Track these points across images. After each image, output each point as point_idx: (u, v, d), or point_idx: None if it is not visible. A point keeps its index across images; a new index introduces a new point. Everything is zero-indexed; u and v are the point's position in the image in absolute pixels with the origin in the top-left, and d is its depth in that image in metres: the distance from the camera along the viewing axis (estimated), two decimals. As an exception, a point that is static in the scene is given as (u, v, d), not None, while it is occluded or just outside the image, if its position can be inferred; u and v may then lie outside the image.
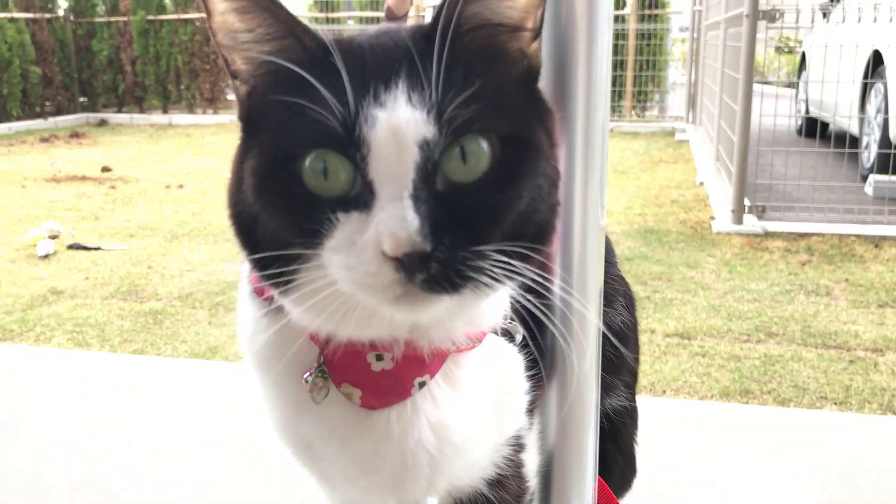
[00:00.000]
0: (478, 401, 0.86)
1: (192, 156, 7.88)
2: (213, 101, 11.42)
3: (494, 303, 0.84)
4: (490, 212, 0.70)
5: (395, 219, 0.66)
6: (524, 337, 0.90)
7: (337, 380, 0.83)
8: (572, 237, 0.91)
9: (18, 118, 10.22)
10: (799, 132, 7.37)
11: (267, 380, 0.90)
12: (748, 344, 2.95)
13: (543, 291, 0.79)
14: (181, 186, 6.20)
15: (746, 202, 4.68)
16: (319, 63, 0.71)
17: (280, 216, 0.73)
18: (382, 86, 0.69)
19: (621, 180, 6.24)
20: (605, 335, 1.01)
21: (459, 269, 0.68)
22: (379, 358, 0.81)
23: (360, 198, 0.69)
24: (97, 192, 6.04)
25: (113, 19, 11.25)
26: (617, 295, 1.09)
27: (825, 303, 3.38)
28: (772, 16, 4.48)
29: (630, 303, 1.16)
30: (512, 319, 0.88)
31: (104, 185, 6.30)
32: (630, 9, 10.10)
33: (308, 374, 0.83)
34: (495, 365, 0.88)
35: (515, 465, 0.92)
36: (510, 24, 0.75)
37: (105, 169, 6.91)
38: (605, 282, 1.01)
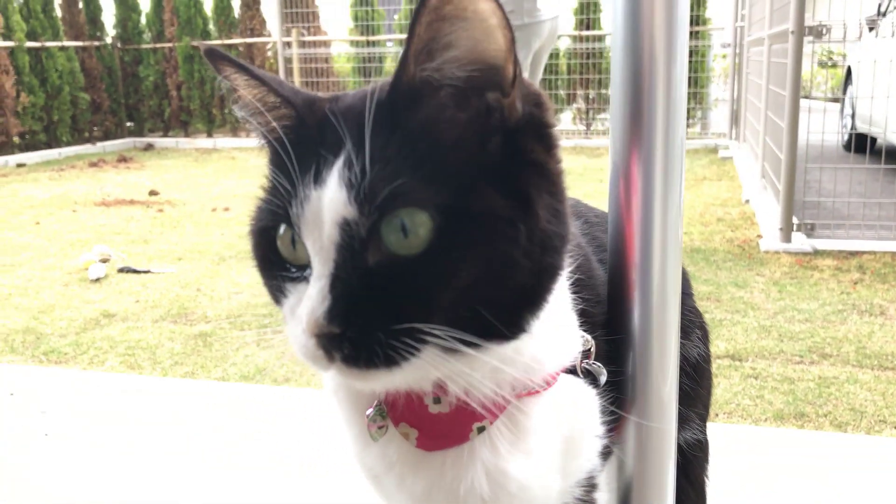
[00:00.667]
0: (543, 447, 0.84)
1: (237, 179, 7.99)
2: (256, 125, 11.57)
3: (556, 346, 0.83)
4: (424, 287, 0.68)
5: (311, 298, 0.68)
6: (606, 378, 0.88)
7: (395, 419, 0.84)
8: (652, 257, 0.89)
9: (68, 143, 10.48)
10: (846, 147, 7.25)
11: (339, 411, 0.92)
12: (801, 365, 2.89)
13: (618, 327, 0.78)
14: (227, 209, 6.29)
15: (794, 220, 4.61)
16: (303, 132, 0.74)
17: (263, 277, 0.80)
18: (329, 160, 0.70)
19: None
20: (681, 368, 0.99)
21: (376, 350, 0.67)
22: (436, 401, 0.81)
23: (308, 271, 0.71)
24: (145, 215, 6.15)
25: (159, 46, 11.50)
26: (693, 327, 1.07)
27: (879, 323, 3.31)
28: (818, 31, 4.43)
29: (704, 335, 1.14)
30: (596, 360, 0.87)
31: (152, 208, 6.41)
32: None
33: (370, 410, 0.84)
34: (568, 409, 0.86)
35: None
36: (475, 81, 0.71)
37: (153, 193, 7.05)
38: (682, 313, 0.99)
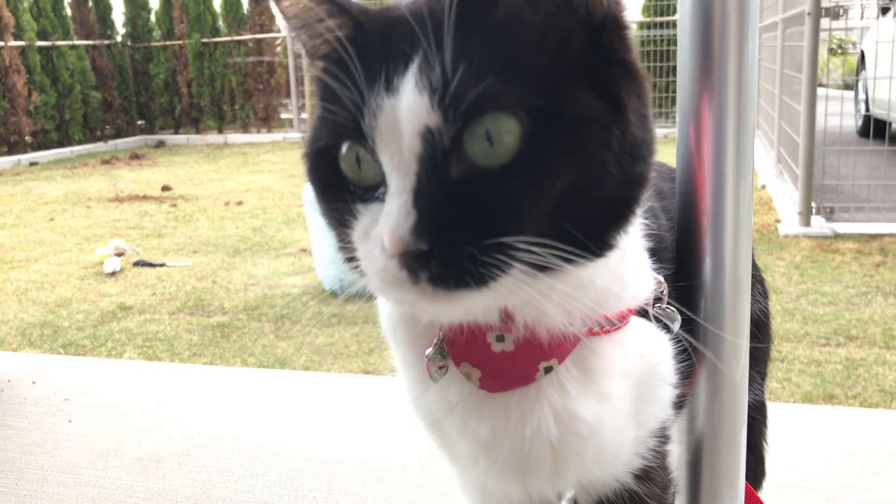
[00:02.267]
0: (614, 390, 0.79)
1: (249, 173, 7.99)
2: (268, 120, 11.59)
3: (628, 280, 0.78)
4: (513, 199, 0.63)
5: (392, 216, 0.63)
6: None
7: (456, 358, 0.79)
8: (724, 204, 0.85)
9: (80, 142, 10.50)
10: (860, 133, 7.18)
11: (396, 353, 0.87)
12: (828, 348, 2.85)
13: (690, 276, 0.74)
14: (240, 203, 6.29)
15: (813, 204, 4.56)
16: (365, 41, 0.68)
17: (324, 201, 0.73)
18: (401, 66, 0.64)
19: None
20: None
21: (467, 267, 0.62)
22: (500, 339, 0.76)
23: (381, 189, 0.66)
24: (159, 210, 6.15)
25: (168, 43, 11.51)
26: (754, 281, 1.03)
27: (905, 304, 3.26)
28: (835, 13, 4.37)
29: (764, 290, 1.09)
30: (669, 305, 0.82)
31: (165, 203, 6.41)
32: (681, 14, 9.99)
33: (429, 349, 0.80)
34: (639, 352, 0.81)
35: (661, 457, 0.87)
36: None
37: (165, 188, 7.05)
38: None
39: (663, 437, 0.86)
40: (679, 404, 0.87)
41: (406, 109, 0.63)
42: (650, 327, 0.81)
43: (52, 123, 10.17)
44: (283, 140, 11.00)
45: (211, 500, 1.68)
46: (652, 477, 0.86)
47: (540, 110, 0.62)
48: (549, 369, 0.77)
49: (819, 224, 4.49)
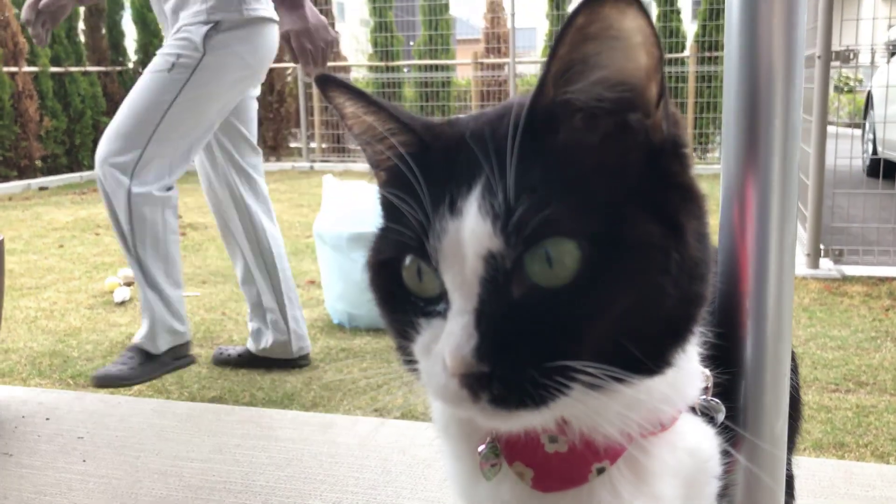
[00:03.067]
0: (666, 491, 0.80)
1: (257, 202, 8.00)
2: (276, 149, 11.65)
3: (683, 382, 0.79)
4: (572, 321, 0.64)
5: (454, 336, 0.65)
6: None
7: (509, 457, 0.80)
8: (767, 286, 0.86)
9: (89, 167, 10.55)
10: (868, 173, 7.21)
11: (447, 446, 0.88)
12: (837, 394, 2.84)
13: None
14: (248, 233, 6.29)
15: (821, 246, 4.57)
16: (429, 160, 0.71)
17: (385, 311, 0.76)
18: (464, 189, 0.66)
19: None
20: None
21: (527, 389, 0.64)
22: (553, 440, 0.77)
23: (442, 305, 0.68)
24: (168, 239, 6.16)
25: (180, 71, 11.59)
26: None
27: (915, 351, 3.26)
28: (846, 57, 4.42)
29: (796, 366, 1.11)
30: (713, 397, 0.83)
31: (174, 232, 6.43)
32: (689, 51, 10.07)
33: (482, 447, 0.80)
34: (688, 450, 0.81)
35: None
36: (619, 102, 0.67)
37: (174, 216, 7.07)
38: None
39: None
40: (723, 494, 0.88)
41: (470, 233, 0.65)
42: (697, 422, 0.82)
43: (63, 148, 10.24)
44: (292, 169, 11.05)
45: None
46: None
47: (600, 235, 0.64)
48: (601, 470, 0.77)
49: (828, 266, 4.49)
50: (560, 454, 0.77)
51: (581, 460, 0.77)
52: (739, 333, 0.88)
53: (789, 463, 1.10)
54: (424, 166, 0.70)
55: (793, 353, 1.08)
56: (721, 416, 0.84)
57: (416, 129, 0.73)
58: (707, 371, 0.84)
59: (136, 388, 3.09)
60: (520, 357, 0.64)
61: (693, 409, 0.82)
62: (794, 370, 1.06)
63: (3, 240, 2.52)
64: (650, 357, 0.67)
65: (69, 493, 1.89)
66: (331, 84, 0.76)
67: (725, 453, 0.85)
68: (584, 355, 0.64)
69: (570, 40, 0.65)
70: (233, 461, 2.06)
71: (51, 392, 2.87)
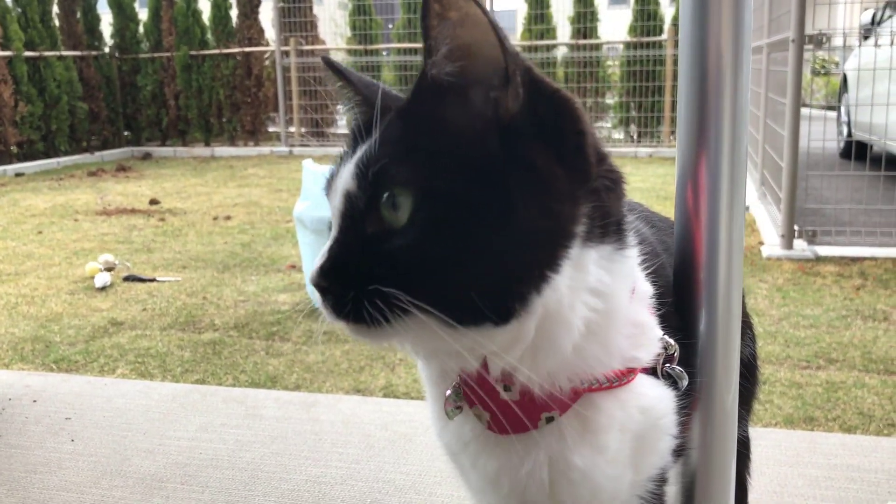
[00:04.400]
0: (611, 443, 0.87)
1: (236, 187, 8.01)
2: (255, 133, 11.60)
3: (617, 344, 0.85)
4: (402, 258, 0.76)
5: (319, 254, 0.80)
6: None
7: (470, 401, 0.89)
8: (718, 261, 0.91)
9: (66, 153, 10.48)
10: (842, 155, 7.31)
11: (426, 386, 0.99)
12: (808, 370, 2.92)
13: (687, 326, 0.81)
14: (228, 218, 6.31)
15: (796, 227, 4.65)
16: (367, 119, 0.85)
17: None
18: (363, 144, 0.81)
19: (665, 206, 6.22)
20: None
21: (353, 307, 0.77)
22: (507, 389, 0.85)
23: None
24: (147, 224, 6.16)
25: (157, 55, 11.51)
26: (745, 327, 1.10)
27: (883, 328, 3.34)
28: (818, 40, 4.48)
29: (754, 335, 1.17)
30: (679, 364, 0.89)
31: (153, 217, 6.43)
32: (667, 34, 10.13)
33: (449, 390, 0.90)
34: (640, 408, 0.88)
35: (658, 498, 0.94)
36: (460, 76, 0.78)
37: (153, 202, 7.06)
38: None
39: (661, 481, 0.93)
40: (679, 452, 0.94)
41: (343, 176, 0.82)
42: (655, 384, 0.89)
43: (39, 134, 10.14)
44: (271, 153, 11.02)
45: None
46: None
47: (428, 189, 0.76)
48: (550, 419, 0.86)
49: (801, 247, 4.58)
50: (514, 402, 0.85)
51: (532, 408, 0.85)
52: (693, 305, 0.93)
53: (746, 426, 1.17)
54: (365, 126, 0.84)
55: (750, 322, 1.14)
56: (685, 383, 0.90)
57: (369, 97, 0.90)
58: (670, 339, 0.89)
59: (119, 371, 3.11)
60: (349, 279, 0.78)
61: (656, 374, 0.88)
62: (753, 339, 1.13)
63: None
64: (489, 308, 0.76)
65: (59, 472, 1.92)
66: (327, 64, 0.94)
67: (682, 413, 0.91)
68: (415, 291, 0.75)
69: (427, 23, 0.76)
70: (219, 439, 2.10)
71: (36, 375, 2.88)
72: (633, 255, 0.86)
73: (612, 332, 0.84)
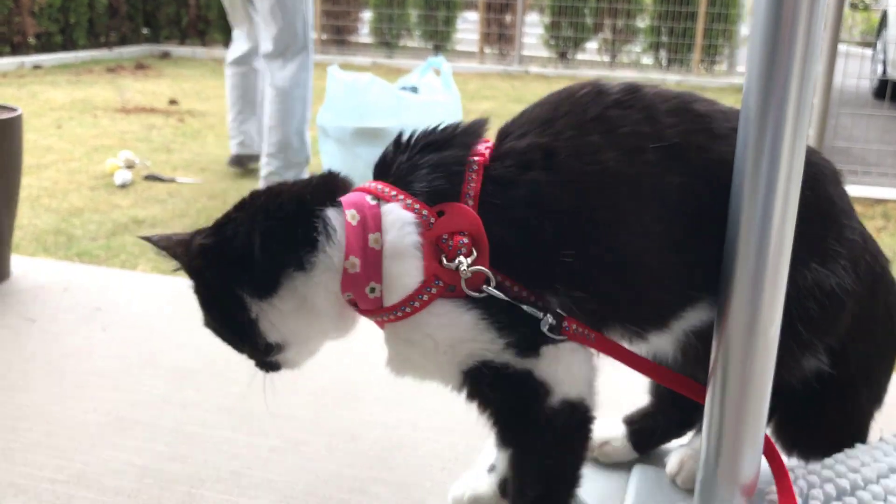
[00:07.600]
0: (406, 348, 1.11)
1: (256, 92, 7.91)
2: (274, 38, 11.40)
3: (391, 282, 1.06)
4: None
5: None
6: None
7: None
8: (776, 192, 0.93)
9: (84, 47, 10.35)
10: (875, 95, 7.16)
11: None
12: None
13: None
14: (248, 122, 6.25)
15: (822, 165, 4.59)
16: None
17: None
18: None
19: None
20: (810, 293, 1.04)
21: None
22: (372, 290, 1.08)
23: None
24: (166, 124, 6.13)
25: (178, -49, 11.24)
26: (839, 257, 1.08)
27: (904, 271, 3.34)
28: (865, -28, 4.33)
29: (855, 268, 1.11)
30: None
31: (172, 117, 6.38)
32: (703, -41, 9.83)
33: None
34: (426, 333, 1.06)
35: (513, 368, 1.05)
36: None
37: (172, 101, 7.01)
38: (826, 240, 1.06)
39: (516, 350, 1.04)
40: (523, 349, 1.04)
41: None
42: (447, 310, 1.03)
43: (57, 26, 9.99)
44: (290, 60, 10.86)
45: (246, 410, 1.75)
46: (503, 382, 1.05)
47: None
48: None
49: (826, 185, 4.53)
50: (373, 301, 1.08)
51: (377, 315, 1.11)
52: (740, 237, 0.95)
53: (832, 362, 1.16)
54: None
55: (858, 260, 1.12)
56: (548, 318, 1.00)
57: None
58: (487, 270, 1.00)
59: (140, 267, 3.14)
60: None
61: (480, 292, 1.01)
62: (851, 271, 1.10)
63: (21, 115, 2.51)
64: None
65: (91, 359, 1.96)
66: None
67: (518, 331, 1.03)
68: None
69: None
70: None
71: (65, 264, 2.91)
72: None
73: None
